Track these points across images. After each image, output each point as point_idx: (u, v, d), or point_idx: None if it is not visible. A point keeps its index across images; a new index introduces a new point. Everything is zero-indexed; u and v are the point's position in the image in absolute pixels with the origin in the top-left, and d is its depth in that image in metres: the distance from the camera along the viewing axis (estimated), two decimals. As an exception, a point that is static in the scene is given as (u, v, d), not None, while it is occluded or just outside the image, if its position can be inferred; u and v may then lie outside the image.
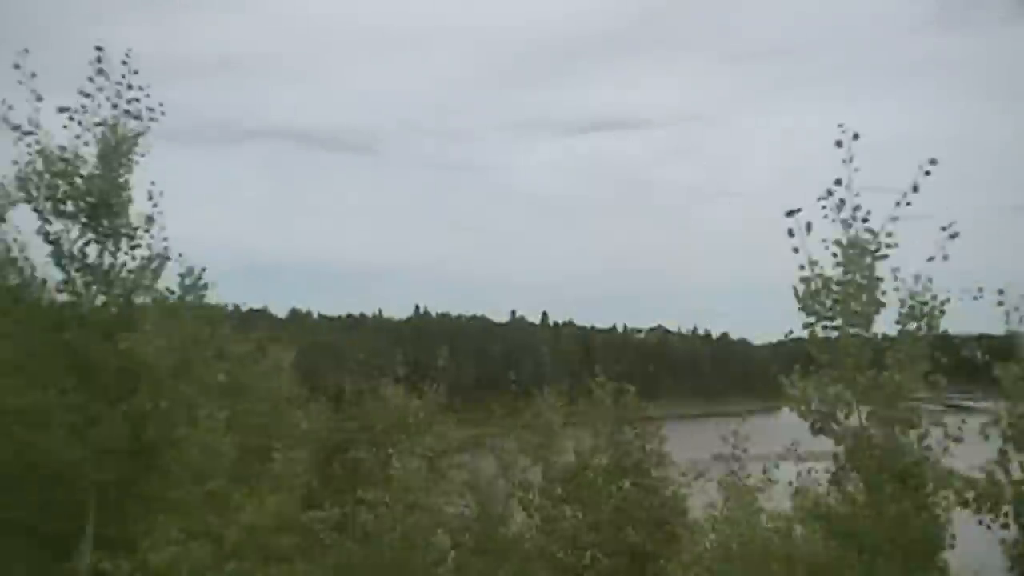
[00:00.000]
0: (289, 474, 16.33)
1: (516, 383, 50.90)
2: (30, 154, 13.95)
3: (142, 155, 14.27)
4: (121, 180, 14.15)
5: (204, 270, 14.33)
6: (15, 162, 13.98)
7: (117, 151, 14.12)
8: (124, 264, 14.39)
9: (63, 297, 14.25)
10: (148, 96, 14.09)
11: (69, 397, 14.10)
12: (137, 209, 14.32)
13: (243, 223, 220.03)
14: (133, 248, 14.35)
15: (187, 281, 14.30)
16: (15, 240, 14.37)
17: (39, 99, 14.00)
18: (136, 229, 14.34)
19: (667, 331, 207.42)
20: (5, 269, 14.12)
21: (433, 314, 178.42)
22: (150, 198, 14.44)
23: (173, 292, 14.26)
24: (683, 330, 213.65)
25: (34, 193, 13.95)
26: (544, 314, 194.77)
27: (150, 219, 14.38)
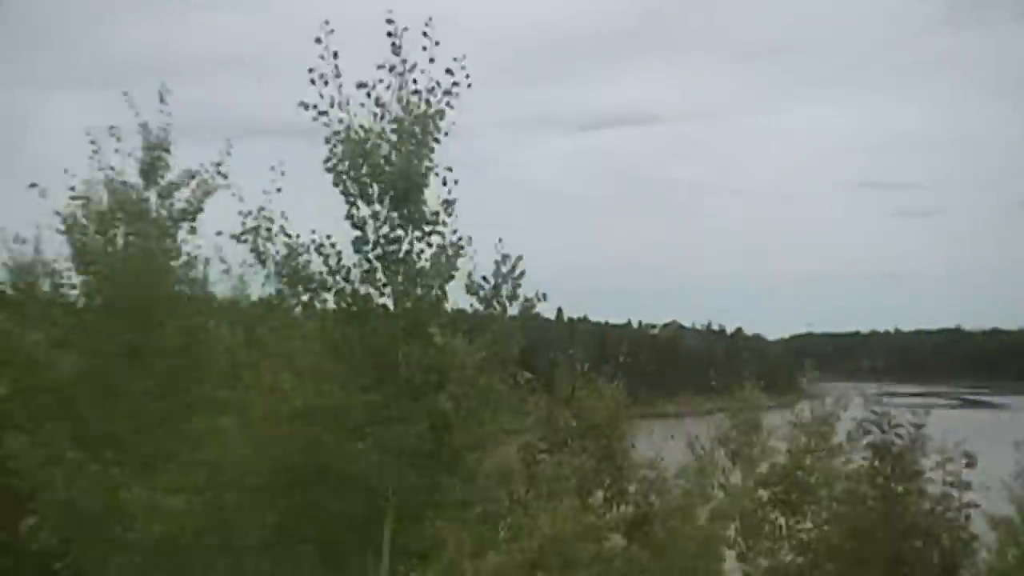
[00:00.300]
0: (561, 477, 15.26)
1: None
2: (337, 133, 12.81)
3: (445, 133, 13.09)
4: (425, 161, 12.99)
5: (520, 258, 13.13)
6: (327, 140, 12.83)
7: (419, 129, 12.95)
8: (421, 252, 13.26)
9: (364, 288, 13.10)
10: (463, 68, 12.85)
11: (370, 395, 12.99)
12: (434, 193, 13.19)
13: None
14: (430, 235, 13.21)
15: (503, 269, 13.10)
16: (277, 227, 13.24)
17: (338, 76, 12.86)
18: (436, 214, 13.19)
19: (681, 326, 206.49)
20: (307, 256, 12.98)
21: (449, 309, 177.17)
22: (444, 183, 13.30)
23: (488, 281, 13.07)
24: (698, 326, 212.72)
25: (343, 176, 12.82)
26: (559, 310, 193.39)
27: (449, 204, 13.22)
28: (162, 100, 18.10)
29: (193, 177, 18.21)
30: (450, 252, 13.25)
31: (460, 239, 13.28)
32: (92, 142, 18.18)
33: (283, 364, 13.55)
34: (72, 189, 16.72)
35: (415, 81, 13.03)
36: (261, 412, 13.89)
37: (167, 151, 18.34)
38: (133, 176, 18.02)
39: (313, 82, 12.65)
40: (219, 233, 13.27)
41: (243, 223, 13.02)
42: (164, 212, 18.46)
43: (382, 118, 12.96)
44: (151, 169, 18.42)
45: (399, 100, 13.03)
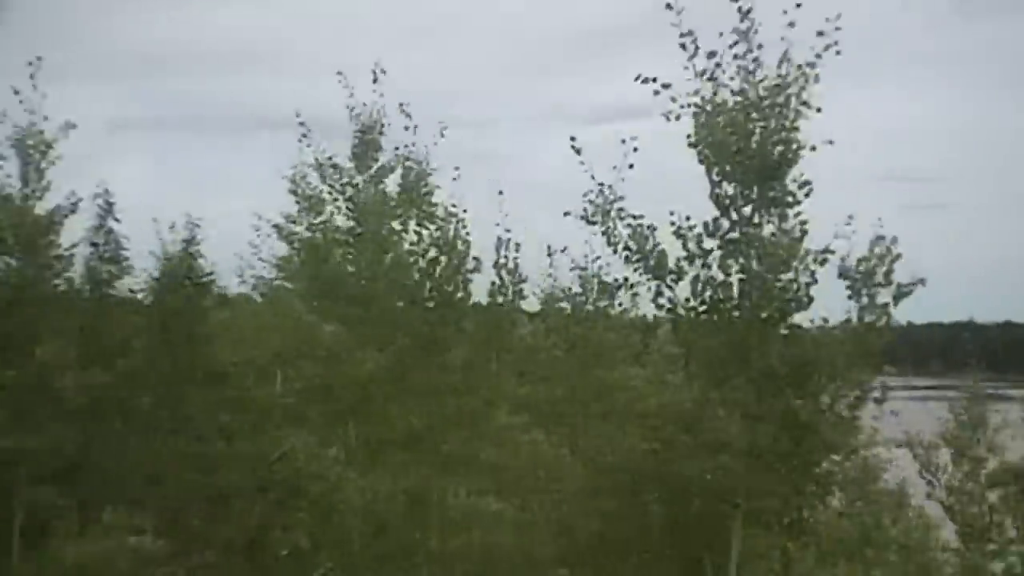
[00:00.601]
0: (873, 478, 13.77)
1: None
2: (697, 107, 11.31)
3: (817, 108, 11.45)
4: (795, 135, 11.44)
5: (895, 239, 11.57)
6: (668, 117, 11.32)
7: (785, 101, 11.41)
8: (774, 235, 11.73)
9: (719, 274, 11.57)
10: (837, 28, 11.24)
11: (724, 392, 11.50)
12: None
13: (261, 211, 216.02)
14: (787, 217, 11.67)
15: (876, 250, 11.55)
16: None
17: (694, 48, 11.34)
18: (792, 194, 11.66)
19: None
20: (652, 239, 11.50)
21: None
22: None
23: (864, 261, 11.49)
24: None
25: (707, 153, 11.31)
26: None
27: (806, 184, 11.68)
28: (375, 80, 16.82)
29: (407, 160, 16.96)
30: (796, 235, 11.74)
31: (805, 222, 11.76)
32: (301, 123, 16.95)
33: (620, 359, 12.11)
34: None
35: (760, 46, 11.50)
36: (580, 411, 12.51)
37: (381, 133, 17.09)
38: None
39: (683, 47, 11.17)
40: (567, 214, 11.69)
41: (591, 203, 11.51)
42: (377, 197, 17.23)
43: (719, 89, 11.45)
44: (363, 153, 17.19)
45: (746, 69, 11.53)
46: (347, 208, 16.98)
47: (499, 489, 12.69)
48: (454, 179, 12.79)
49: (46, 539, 15.64)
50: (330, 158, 17.09)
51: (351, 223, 16.99)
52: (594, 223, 11.56)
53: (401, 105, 13.51)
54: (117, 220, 17.74)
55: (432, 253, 13.16)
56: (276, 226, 19.21)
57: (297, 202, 17.88)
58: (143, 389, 16.63)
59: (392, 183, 17.01)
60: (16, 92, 14.80)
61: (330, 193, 17.23)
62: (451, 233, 13.08)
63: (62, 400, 14.89)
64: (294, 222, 18.86)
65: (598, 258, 13.09)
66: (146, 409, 16.47)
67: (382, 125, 16.99)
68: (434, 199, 13.55)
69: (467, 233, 12.96)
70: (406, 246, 13.37)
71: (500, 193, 13.49)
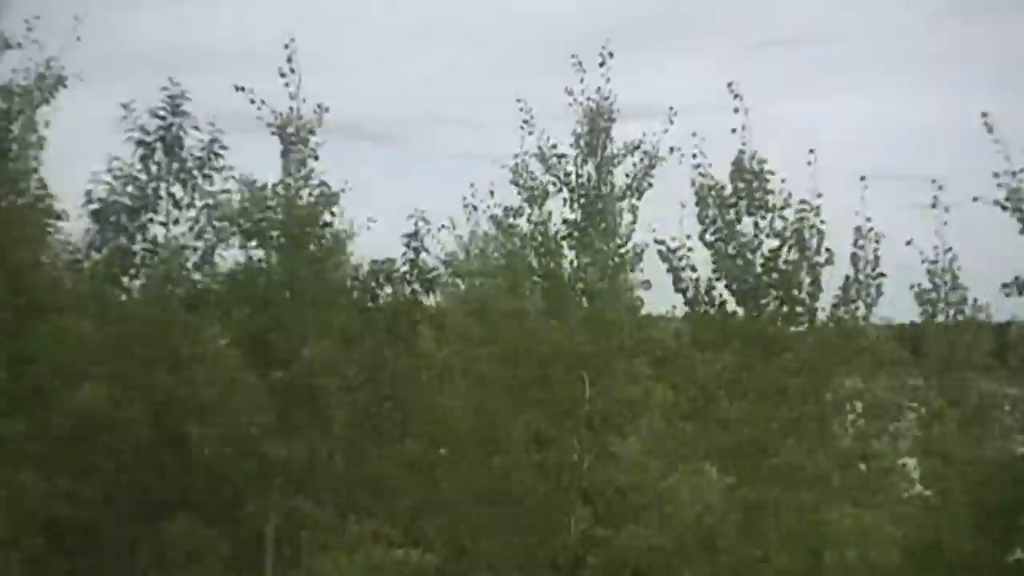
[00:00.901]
0: None
1: None
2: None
3: None
4: None
5: None
6: None
7: None
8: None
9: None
10: None
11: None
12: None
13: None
14: None
15: None
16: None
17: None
18: None
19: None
20: None
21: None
22: None
23: None
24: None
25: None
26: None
27: None
28: (602, 64, 15.54)
29: (636, 148, 15.69)
30: None
31: None
32: (521, 109, 15.72)
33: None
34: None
35: None
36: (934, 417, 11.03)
37: (610, 120, 15.81)
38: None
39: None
40: (975, 199, 10.22)
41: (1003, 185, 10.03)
42: (604, 187, 15.95)
43: None
44: (593, 140, 15.89)
45: None
46: (572, 199, 15.78)
47: (846, 501, 11.18)
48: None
49: (297, 551, 14.21)
50: (554, 146, 15.86)
51: (573, 215, 15.82)
52: (1007, 208, 10.09)
53: (730, 84, 11.85)
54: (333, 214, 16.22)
55: (772, 244, 11.62)
56: (493, 217, 17.82)
57: (519, 193, 16.53)
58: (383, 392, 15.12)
59: (620, 173, 15.88)
60: (282, 75, 13.38)
61: (554, 184, 15.97)
62: (797, 222, 11.54)
63: (322, 404, 13.41)
64: (516, 214, 17.41)
65: (949, 250, 11.61)
66: (387, 414, 14.96)
67: (610, 112, 15.75)
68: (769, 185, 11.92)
69: (821, 221, 11.37)
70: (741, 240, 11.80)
71: (862, 179, 11.83)
